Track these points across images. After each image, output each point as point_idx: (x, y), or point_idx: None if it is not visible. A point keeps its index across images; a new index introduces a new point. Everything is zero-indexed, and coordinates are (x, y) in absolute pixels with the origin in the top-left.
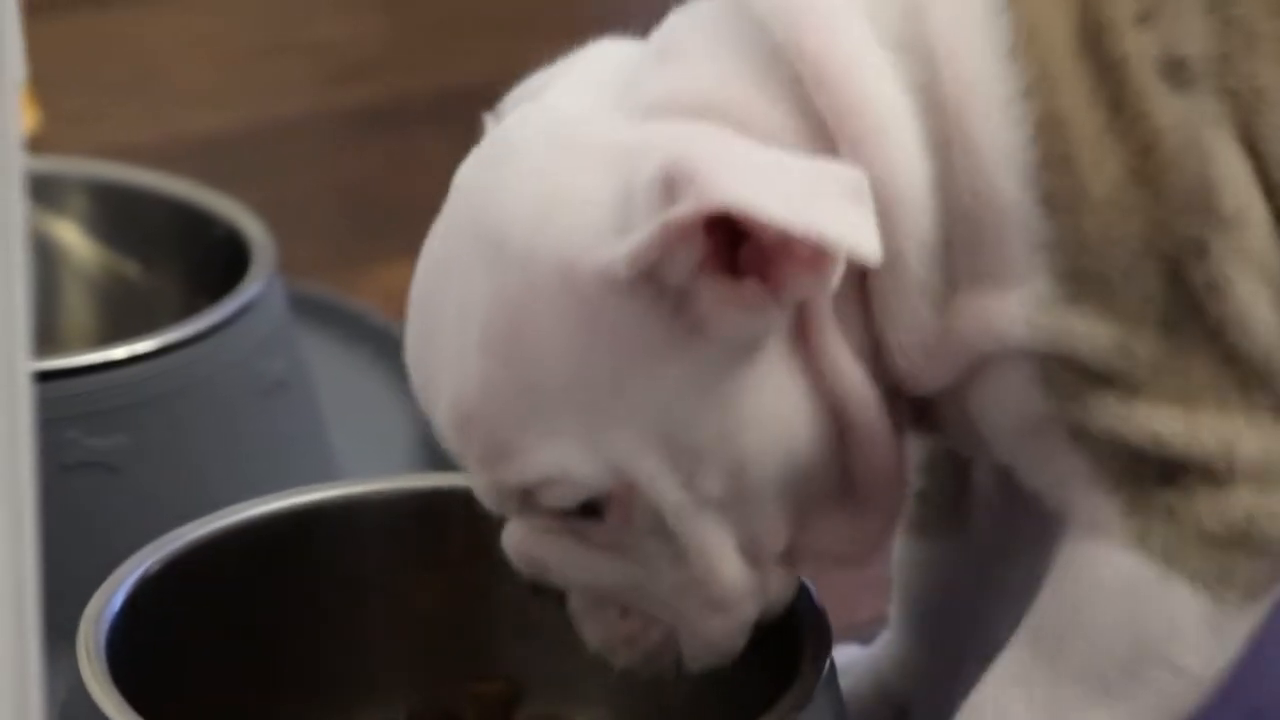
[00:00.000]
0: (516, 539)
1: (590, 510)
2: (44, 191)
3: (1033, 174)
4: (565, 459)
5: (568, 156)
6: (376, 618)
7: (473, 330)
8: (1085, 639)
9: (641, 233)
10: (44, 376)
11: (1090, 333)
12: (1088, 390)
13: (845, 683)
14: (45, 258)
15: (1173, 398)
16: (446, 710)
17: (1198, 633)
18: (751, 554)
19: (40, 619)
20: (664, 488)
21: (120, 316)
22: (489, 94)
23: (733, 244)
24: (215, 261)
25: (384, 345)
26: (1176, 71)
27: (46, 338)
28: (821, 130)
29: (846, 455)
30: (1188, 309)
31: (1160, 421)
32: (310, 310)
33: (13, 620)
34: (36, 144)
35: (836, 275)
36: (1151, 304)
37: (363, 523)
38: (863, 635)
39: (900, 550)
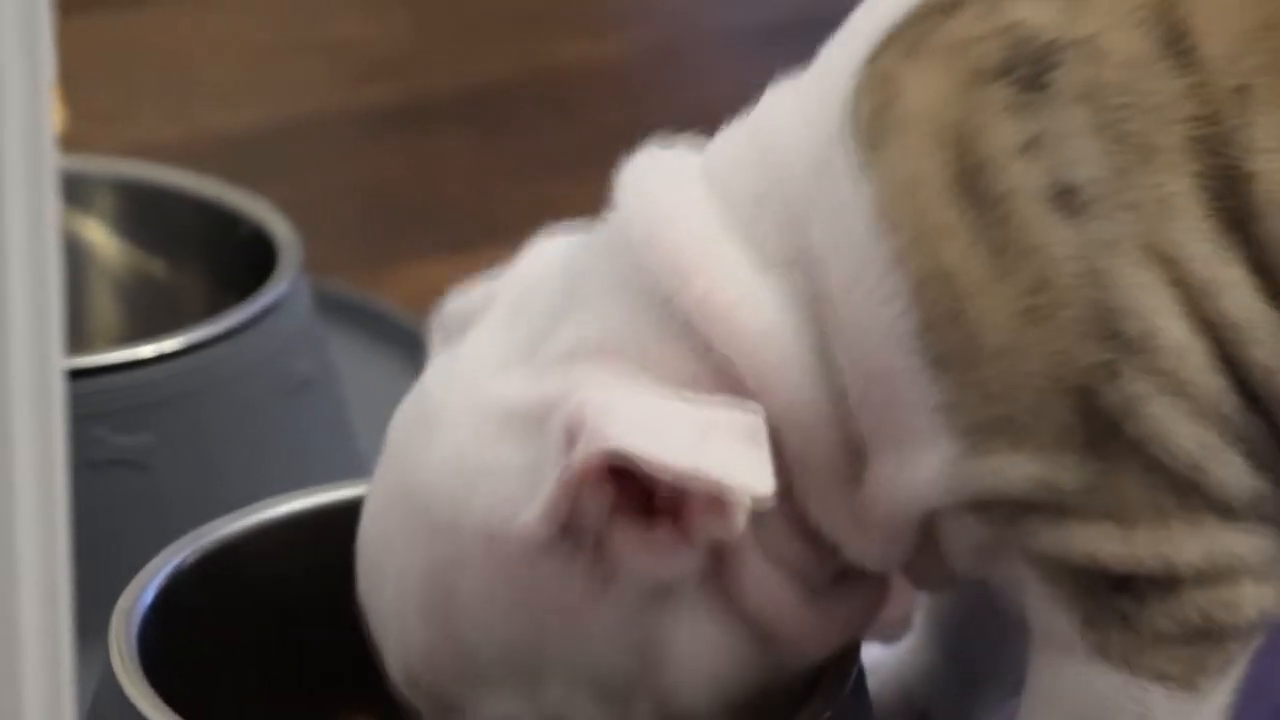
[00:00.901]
0: None
1: None
2: (71, 190)
3: (918, 340)
4: (506, 710)
5: (483, 426)
6: None
7: (411, 598)
8: None
9: (546, 487)
10: (71, 375)
11: (1009, 473)
12: (1021, 518)
13: (870, 684)
14: (72, 257)
15: (1107, 515)
16: None
17: None
18: None
19: (72, 615)
20: None
21: (146, 315)
22: (511, 93)
23: (647, 490)
24: (241, 260)
25: (408, 344)
26: (1068, 199)
27: (73, 336)
28: (723, 367)
29: (779, 656)
30: (1108, 430)
31: (1095, 541)
32: (334, 309)
33: (47, 617)
34: (64, 143)
35: (742, 518)
36: (1070, 431)
37: None
38: (887, 635)
39: None
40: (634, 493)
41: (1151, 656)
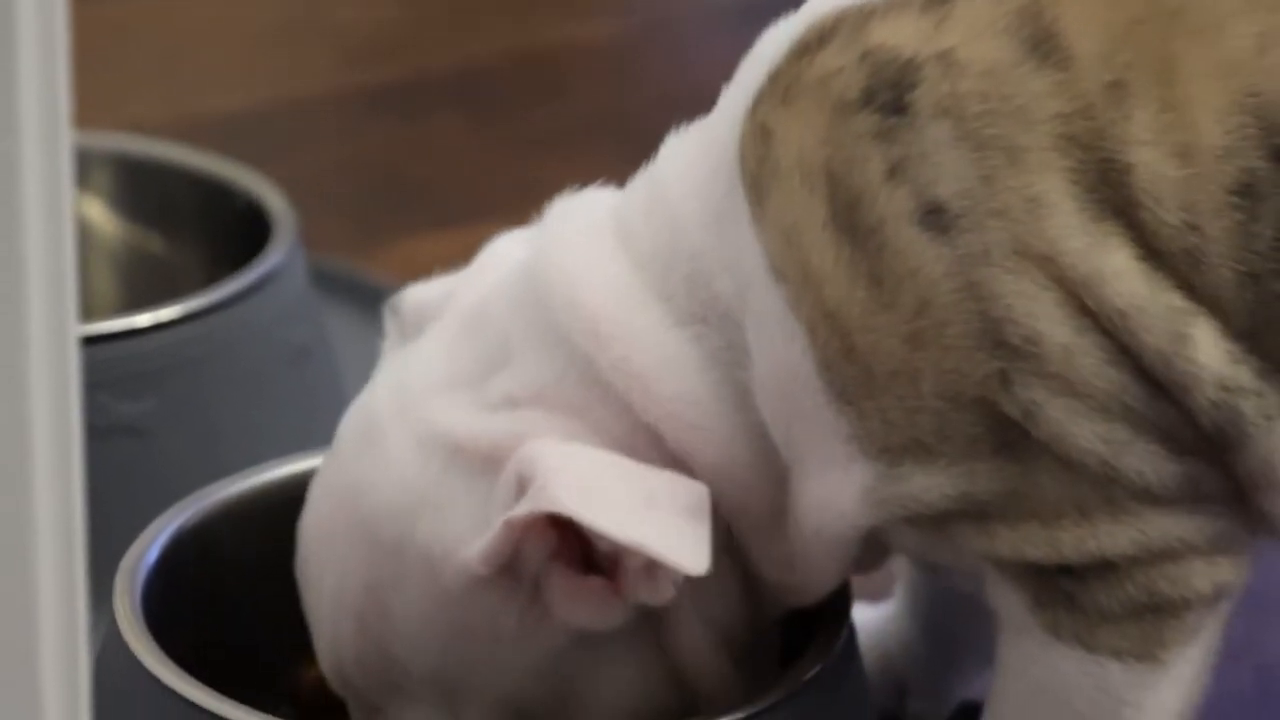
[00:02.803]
0: None
1: None
2: None
3: (819, 379)
4: (420, 715)
5: (431, 457)
6: None
7: (348, 605)
8: None
9: (491, 530)
10: None
11: (926, 492)
12: (947, 526)
13: None
14: None
15: (1030, 515)
16: None
17: (1142, 695)
18: None
19: (86, 578)
20: None
21: (144, 290)
22: (501, 74)
23: (586, 542)
24: (237, 235)
25: None
26: (936, 218)
27: None
28: (649, 427)
29: (696, 699)
30: (1016, 434)
31: (1020, 543)
32: (330, 283)
33: (64, 580)
34: None
35: (670, 588)
36: (978, 442)
37: None
38: (874, 595)
39: None
40: (574, 543)
41: (1103, 634)
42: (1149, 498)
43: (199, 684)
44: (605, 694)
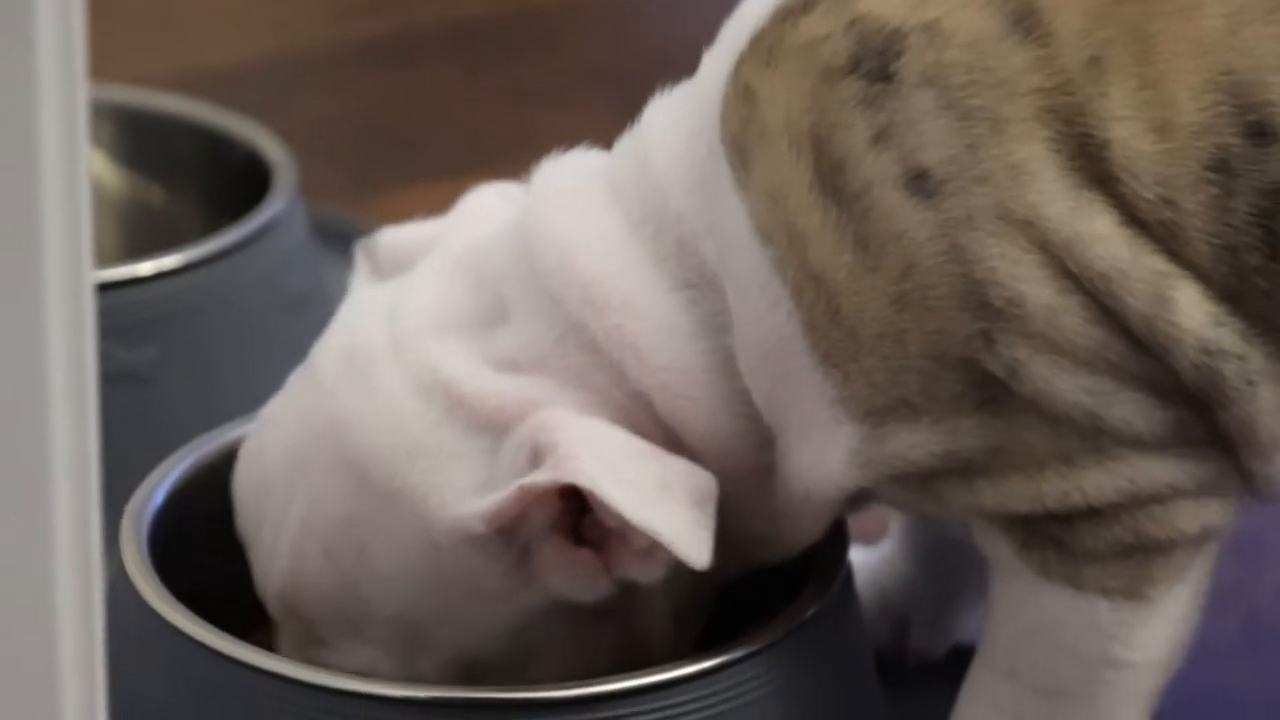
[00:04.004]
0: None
1: None
2: None
3: (804, 340)
4: (374, 664)
5: (429, 405)
6: None
7: (319, 535)
8: (1034, 667)
9: (501, 493)
10: None
11: (911, 450)
12: (935, 482)
13: None
14: None
15: (1013, 468)
16: None
17: (1131, 631)
18: None
19: (99, 523)
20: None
21: (145, 241)
22: (494, 27)
23: (579, 512)
24: (237, 185)
25: None
26: (921, 183)
27: None
28: (643, 395)
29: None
30: (999, 391)
31: (1004, 495)
32: (326, 233)
33: (79, 526)
34: None
35: (664, 568)
36: (962, 399)
37: None
38: (868, 537)
39: None
40: (571, 515)
41: (1090, 573)
42: (1138, 444)
43: (205, 623)
44: (562, 652)
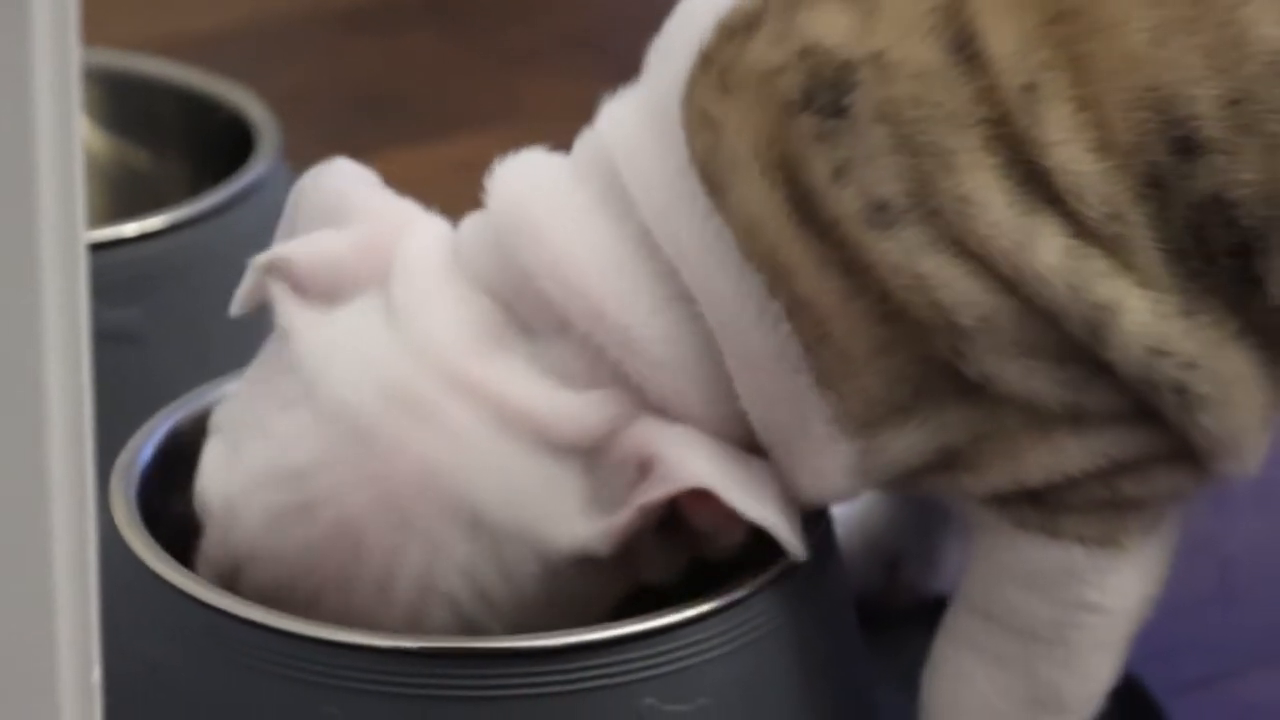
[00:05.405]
0: None
1: None
2: None
3: (802, 362)
4: None
5: (519, 438)
6: None
7: (441, 589)
8: (1010, 610)
9: (622, 512)
10: None
11: (907, 452)
12: (925, 478)
13: (837, 536)
14: None
15: (998, 453)
16: None
17: (1104, 577)
18: None
19: (93, 483)
20: None
21: (131, 203)
22: None
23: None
24: (221, 148)
25: None
26: (880, 215)
27: None
28: (630, 386)
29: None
30: (977, 387)
31: (989, 482)
32: None
33: (75, 487)
34: None
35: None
36: (948, 394)
37: None
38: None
39: None
40: (666, 513)
41: (1066, 522)
42: (1117, 418)
43: (194, 576)
44: (591, 611)
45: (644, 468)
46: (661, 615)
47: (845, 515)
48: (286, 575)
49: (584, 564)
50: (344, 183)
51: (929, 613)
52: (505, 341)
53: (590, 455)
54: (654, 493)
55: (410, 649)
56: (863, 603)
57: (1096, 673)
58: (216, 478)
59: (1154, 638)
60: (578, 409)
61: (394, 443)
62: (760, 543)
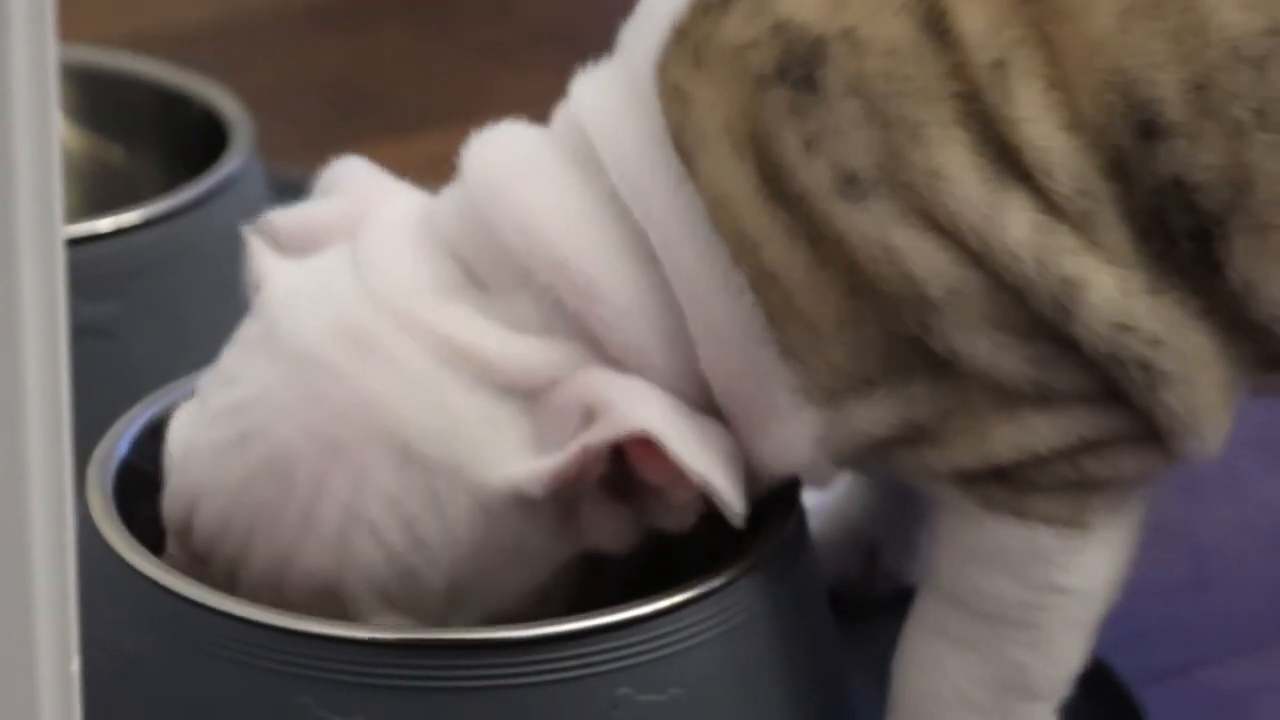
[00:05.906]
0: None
1: None
2: None
3: (766, 333)
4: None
5: (460, 374)
6: None
7: (365, 518)
8: (978, 593)
9: (563, 453)
10: None
11: (872, 423)
12: (887, 454)
13: (814, 526)
14: None
15: (964, 430)
16: None
17: (1071, 558)
18: None
19: (71, 475)
20: None
21: (105, 199)
22: None
23: (618, 469)
24: (194, 144)
25: None
26: (850, 187)
27: None
28: (588, 339)
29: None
30: (944, 361)
31: (955, 455)
32: (287, 192)
33: (53, 479)
34: None
35: (694, 519)
36: (915, 368)
37: None
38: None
39: None
40: (614, 470)
41: (1032, 502)
42: (1085, 399)
43: (170, 568)
44: (563, 598)
45: (589, 413)
46: (635, 606)
47: (823, 504)
48: (226, 510)
49: (521, 511)
50: (347, 170)
51: (899, 600)
52: (460, 295)
53: (535, 398)
54: (597, 435)
55: (385, 640)
56: (841, 591)
57: (1065, 655)
58: (180, 429)
59: (1125, 625)
60: (526, 351)
61: (333, 373)
62: (735, 536)
